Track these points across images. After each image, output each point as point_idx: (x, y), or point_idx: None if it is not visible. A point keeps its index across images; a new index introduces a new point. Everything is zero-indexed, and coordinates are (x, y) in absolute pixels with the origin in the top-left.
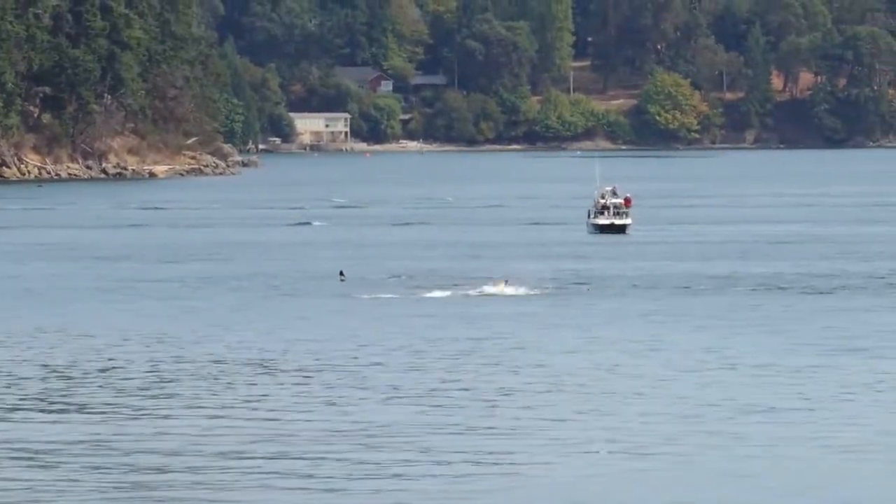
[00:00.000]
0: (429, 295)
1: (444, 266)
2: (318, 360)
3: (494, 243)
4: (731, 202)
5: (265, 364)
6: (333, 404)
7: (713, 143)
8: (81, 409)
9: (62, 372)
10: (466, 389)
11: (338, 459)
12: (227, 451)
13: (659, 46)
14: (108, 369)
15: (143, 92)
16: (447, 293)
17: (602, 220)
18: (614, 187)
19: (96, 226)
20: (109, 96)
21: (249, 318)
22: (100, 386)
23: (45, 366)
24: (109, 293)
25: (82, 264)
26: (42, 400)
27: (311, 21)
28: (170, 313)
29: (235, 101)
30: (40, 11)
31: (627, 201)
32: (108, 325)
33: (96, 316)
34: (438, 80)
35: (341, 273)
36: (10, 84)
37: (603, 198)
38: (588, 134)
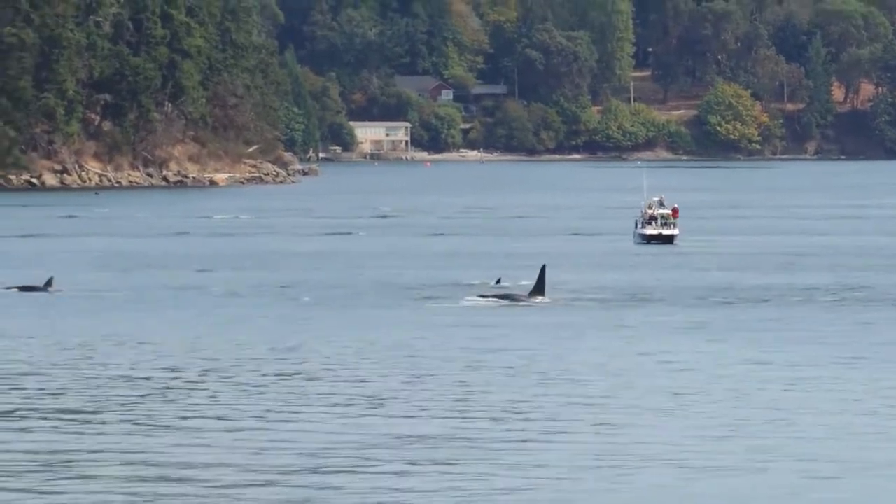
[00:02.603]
0: (471, 303)
1: (485, 276)
2: (373, 368)
3: (538, 253)
4: (785, 213)
5: (325, 373)
6: (398, 415)
7: (774, 154)
8: (127, 418)
9: (116, 380)
10: (519, 401)
11: (413, 465)
12: (287, 465)
13: (719, 57)
14: (160, 378)
15: (204, 100)
16: (486, 301)
17: (649, 231)
18: (661, 197)
19: (147, 234)
20: (170, 104)
21: (299, 327)
22: (146, 394)
23: (107, 374)
24: (159, 301)
25: (131, 273)
26: (91, 408)
27: (371, 30)
28: (216, 322)
29: (296, 109)
30: (101, 19)
31: (675, 212)
32: (157, 334)
33: (141, 324)
34: (499, 89)
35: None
36: (71, 92)
37: (650, 208)
38: (649, 144)
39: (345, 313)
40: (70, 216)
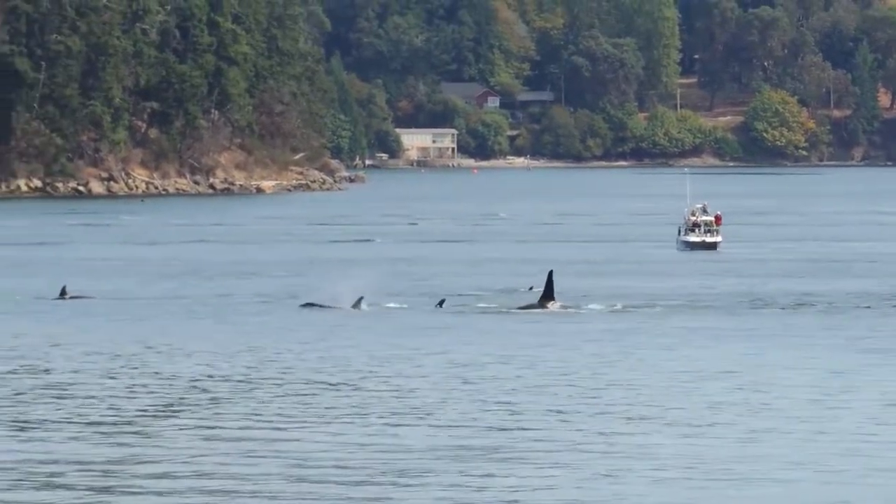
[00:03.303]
0: (515, 311)
1: (521, 283)
2: (422, 376)
3: (579, 260)
4: (831, 219)
5: (366, 381)
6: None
7: (821, 160)
8: (170, 427)
9: (161, 388)
10: (566, 410)
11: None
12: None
13: (766, 63)
14: (203, 385)
15: (250, 107)
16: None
17: (692, 238)
18: (705, 204)
19: (189, 240)
20: (216, 112)
21: (346, 335)
22: (195, 403)
23: (146, 383)
24: (197, 309)
25: (171, 280)
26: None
27: (417, 37)
28: (255, 331)
29: (342, 116)
30: (147, 27)
31: (718, 219)
32: (201, 341)
33: (182, 332)
34: (545, 96)
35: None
36: (117, 99)
37: (693, 215)
38: (695, 150)
39: (392, 320)
40: (103, 224)
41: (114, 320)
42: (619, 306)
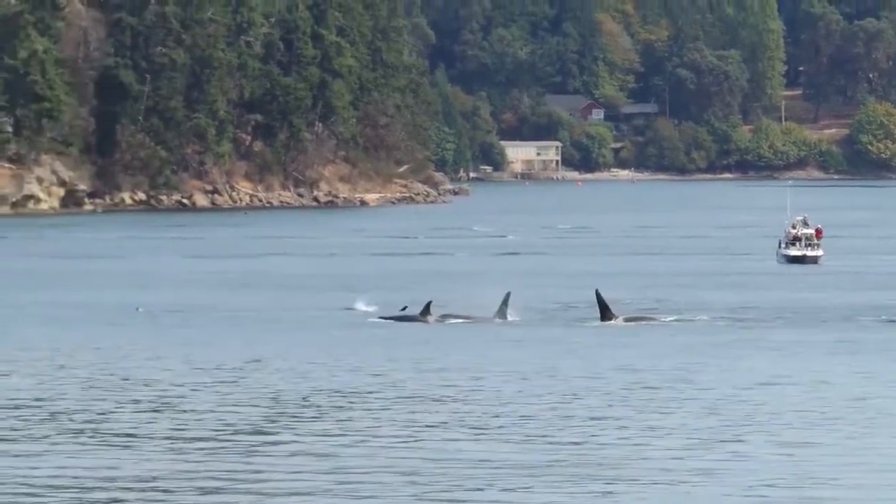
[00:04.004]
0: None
1: (636, 296)
2: (518, 388)
3: (681, 272)
4: None
5: (462, 393)
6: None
7: None
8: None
9: (265, 402)
10: (676, 425)
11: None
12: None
13: (871, 75)
14: (297, 401)
15: (355, 120)
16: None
17: (793, 252)
18: (805, 217)
19: (280, 252)
20: (321, 124)
21: (444, 347)
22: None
23: (260, 396)
24: (287, 321)
25: (259, 293)
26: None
27: (522, 49)
28: (361, 341)
29: (446, 129)
30: (252, 39)
31: (819, 232)
32: (298, 354)
33: (282, 344)
34: (650, 108)
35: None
36: (222, 112)
37: (794, 228)
38: (800, 163)
39: (486, 333)
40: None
41: (221, 333)
42: (718, 318)
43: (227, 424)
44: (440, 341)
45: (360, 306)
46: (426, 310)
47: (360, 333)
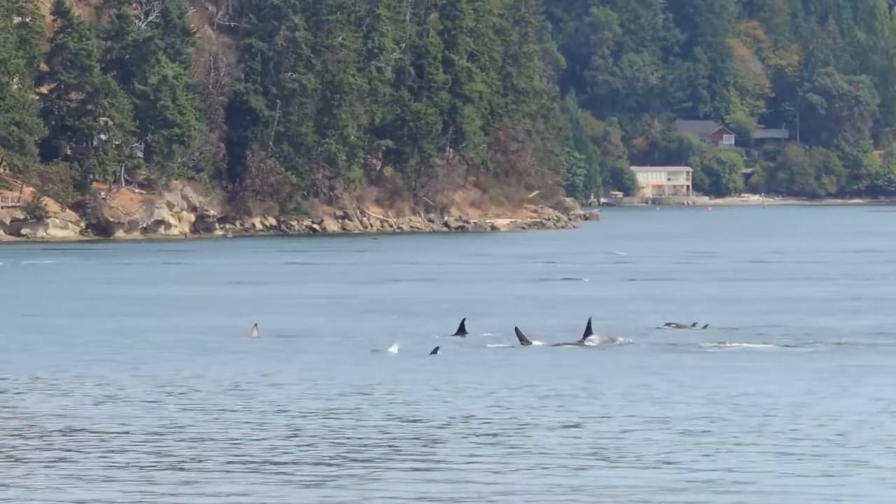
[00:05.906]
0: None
1: (751, 321)
2: (599, 409)
3: (802, 298)
4: None
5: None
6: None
7: None
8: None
9: (382, 428)
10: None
11: None
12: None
13: None
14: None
15: (485, 145)
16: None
17: None
18: None
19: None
20: (451, 149)
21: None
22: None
23: (378, 423)
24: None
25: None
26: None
27: (653, 74)
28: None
29: (577, 154)
30: (382, 65)
31: None
32: (410, 379)
33: (397, 369)
34: (780, 133)
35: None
36: (352, 137)
37: None
38: None
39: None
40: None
41: (343, 360)
42: (840, 343)
43: (348, 450)
44: (523, 365)
45: (393, 350)
46: (461, 329)
47: (467, 359)
